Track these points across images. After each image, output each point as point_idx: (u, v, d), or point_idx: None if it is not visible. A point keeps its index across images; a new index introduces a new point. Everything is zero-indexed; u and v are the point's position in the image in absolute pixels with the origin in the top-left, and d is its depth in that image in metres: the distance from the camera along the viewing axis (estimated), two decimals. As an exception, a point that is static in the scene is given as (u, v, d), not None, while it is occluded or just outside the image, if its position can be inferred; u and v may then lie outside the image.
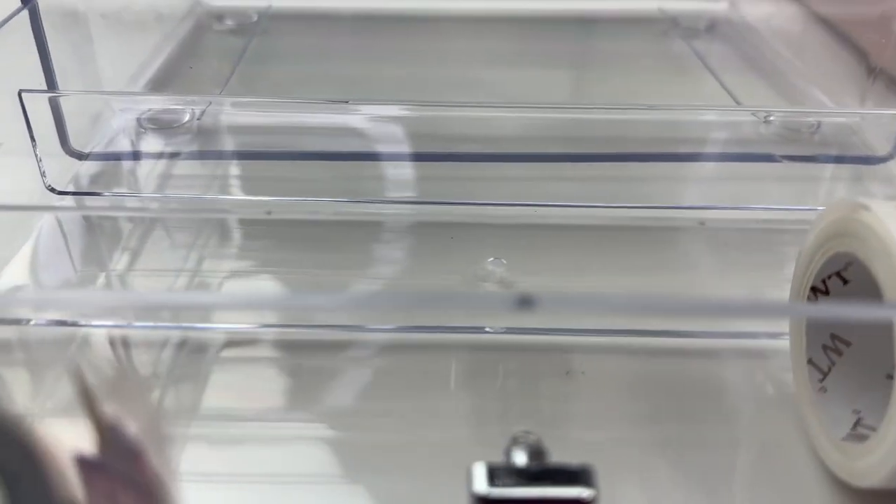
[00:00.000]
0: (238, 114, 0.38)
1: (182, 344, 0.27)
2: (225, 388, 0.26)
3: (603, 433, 0.24)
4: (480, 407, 0.25)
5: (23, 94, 0.30)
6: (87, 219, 0.34)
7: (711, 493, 0.23)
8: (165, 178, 0.36)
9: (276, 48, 0.49)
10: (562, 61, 0.49)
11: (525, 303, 0.17)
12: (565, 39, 0.52)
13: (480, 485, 0.17)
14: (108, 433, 0.16)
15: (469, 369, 0.26)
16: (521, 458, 0.18)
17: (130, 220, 0.33)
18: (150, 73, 0.43)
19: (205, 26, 0.50)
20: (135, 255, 0.31)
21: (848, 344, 0.23)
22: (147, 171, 0.36)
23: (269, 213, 0.30)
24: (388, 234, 0.33)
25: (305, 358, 0.27)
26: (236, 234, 0.33)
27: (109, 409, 0.16)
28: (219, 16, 0.51)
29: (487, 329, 0.27)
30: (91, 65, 0.38)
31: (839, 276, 0.23)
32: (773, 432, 0.25)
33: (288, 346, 0.27)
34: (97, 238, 0.33)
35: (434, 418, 0.25)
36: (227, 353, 0.27)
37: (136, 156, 0.37)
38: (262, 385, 0.26)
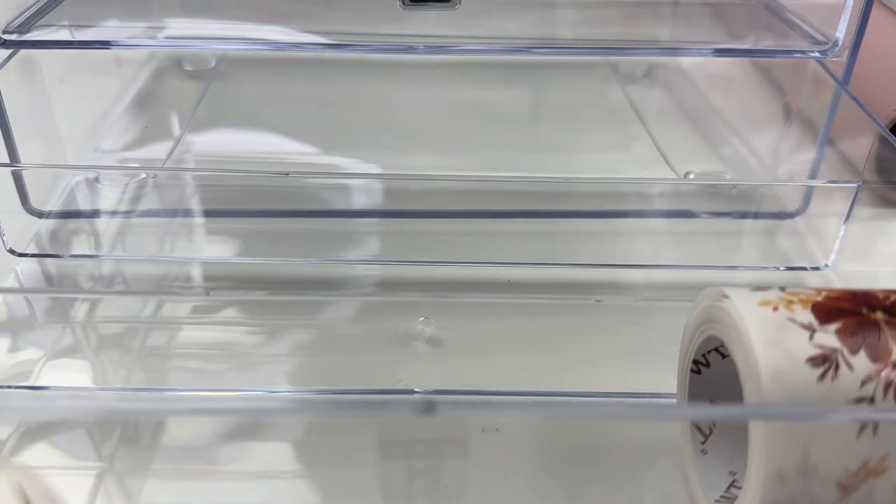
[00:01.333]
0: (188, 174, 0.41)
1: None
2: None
3: (509, 485, 0.27)
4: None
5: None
6: (47, 275, 0.36)
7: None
8: (122, 235, 0.38)
9: (233, 93, 0.51)
10: (508, 106, 0.52)
11: (429, 408, 0.20)
12: (514, 84, 0.54)
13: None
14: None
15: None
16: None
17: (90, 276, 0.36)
18: (111, 119, 0.45)
19: (165, 71, 0.53)
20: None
21: (727, 410, 0.26)
22: (104, 227, 0.38)
23: (208, 293, 0.33)
24: (325, 290, 0.35)
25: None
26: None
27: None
28: (178, 60, 0.53)
29: (416, 390, 0.30)
30: (50, 120, 0.41)
31: (717, 352, 0.26)
32: (664, 488, 0.27)
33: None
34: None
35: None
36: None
37: (93, 214, 0.39)
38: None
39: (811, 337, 0.22)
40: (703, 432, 0.27)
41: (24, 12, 0.36)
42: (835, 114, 0.36)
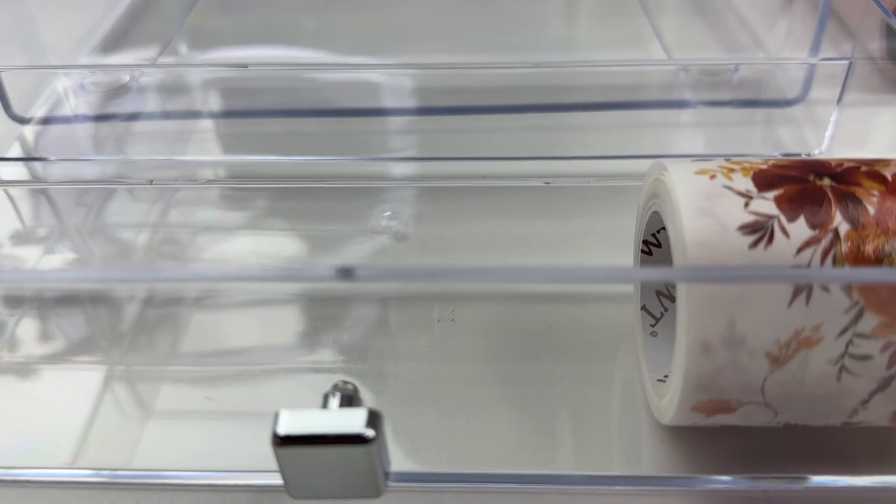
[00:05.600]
0: (171, 76, 0.40)
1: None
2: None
3: (464, 368, 0.27)
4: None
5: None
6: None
7: (551, 419, 0.25)
8: (106, 140, 0.38)
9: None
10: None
11: (346, 274, 0.19)
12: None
13: (281, 427, 0.19)
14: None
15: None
16: (334, 405, 0.21)
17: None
18: (98, 29, 0.45)
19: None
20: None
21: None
22: (88, 132, 0.38)
23: (151, 182, 0.33)
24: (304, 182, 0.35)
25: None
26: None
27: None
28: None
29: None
30: (32, 27, 0.41)
31: (666, 230, 0.25)
32: (621, 371, 0.27)
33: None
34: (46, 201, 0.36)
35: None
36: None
37: (76, 119, 0.39)
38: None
39: (747, 204, 0.21)
40: (654, 316, 0.26)
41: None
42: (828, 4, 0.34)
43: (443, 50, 0.43)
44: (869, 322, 0.20)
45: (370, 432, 0.19)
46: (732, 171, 0.22)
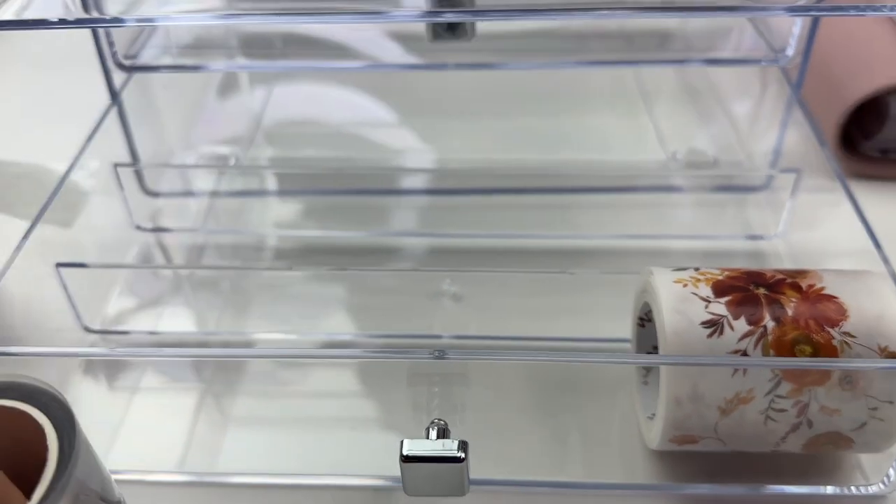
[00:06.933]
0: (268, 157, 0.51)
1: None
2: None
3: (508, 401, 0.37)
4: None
5: (117, 168, 0.44)
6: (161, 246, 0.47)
7: (562, 442, 0.36)
8: (215, 211, 0.49)
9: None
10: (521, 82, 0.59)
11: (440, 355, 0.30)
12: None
13: (405, 450, 0.30)
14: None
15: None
16: (433, 435, 0.31)
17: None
18: (200, 116, 0.56)
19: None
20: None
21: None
22: (202, 205, 0.49)
23: (290, 267, 0.43)
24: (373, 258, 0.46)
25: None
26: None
27: None
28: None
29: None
30: (157, 117, 0.51)
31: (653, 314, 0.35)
32: (620, 408, 0.37)
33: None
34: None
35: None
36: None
37: (190, 194, 0.50)
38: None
39: (706, 307, 0.31)
40: (646, 369, 0.36)
41: (135, 40, 0.46)
42: (789, 116, 0.44)
43: (472, 143, 0.54)
44: (785, 387, 0.30)
45: (462, 454, 0.29)
46: (699, 280, 0.32)
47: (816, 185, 0.46)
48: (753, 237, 0.46)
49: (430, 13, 0.29)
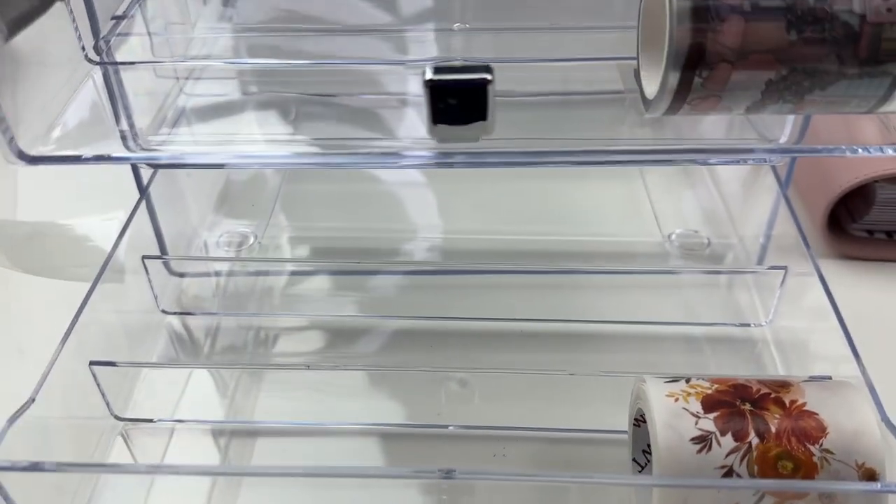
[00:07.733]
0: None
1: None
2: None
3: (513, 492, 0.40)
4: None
5: (145, 260, 0.47)
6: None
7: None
8: (236, 293, 0.51)
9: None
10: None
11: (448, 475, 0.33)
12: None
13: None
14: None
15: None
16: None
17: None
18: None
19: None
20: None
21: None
22: (224, 286, 0.52)
23: (307, 366, 0.46)
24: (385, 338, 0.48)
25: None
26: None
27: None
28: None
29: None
30: (183, 203, 0.54)
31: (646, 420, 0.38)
32: (618, 497, 0.40)
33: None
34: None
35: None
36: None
37: (216, 273, 0.52)
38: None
39: (696, 423, 0.34)
40: (640, 464, 0.39)
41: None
42: (776, 214, 0.47)
43: (476, 221, 0.57)
44: (768, 501, 0.33)
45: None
46: (689, 394, 0.35)
47: (807, 271, 0.49)
48: (744, 325, 0.48)
49: (441, 160, 0.31)
